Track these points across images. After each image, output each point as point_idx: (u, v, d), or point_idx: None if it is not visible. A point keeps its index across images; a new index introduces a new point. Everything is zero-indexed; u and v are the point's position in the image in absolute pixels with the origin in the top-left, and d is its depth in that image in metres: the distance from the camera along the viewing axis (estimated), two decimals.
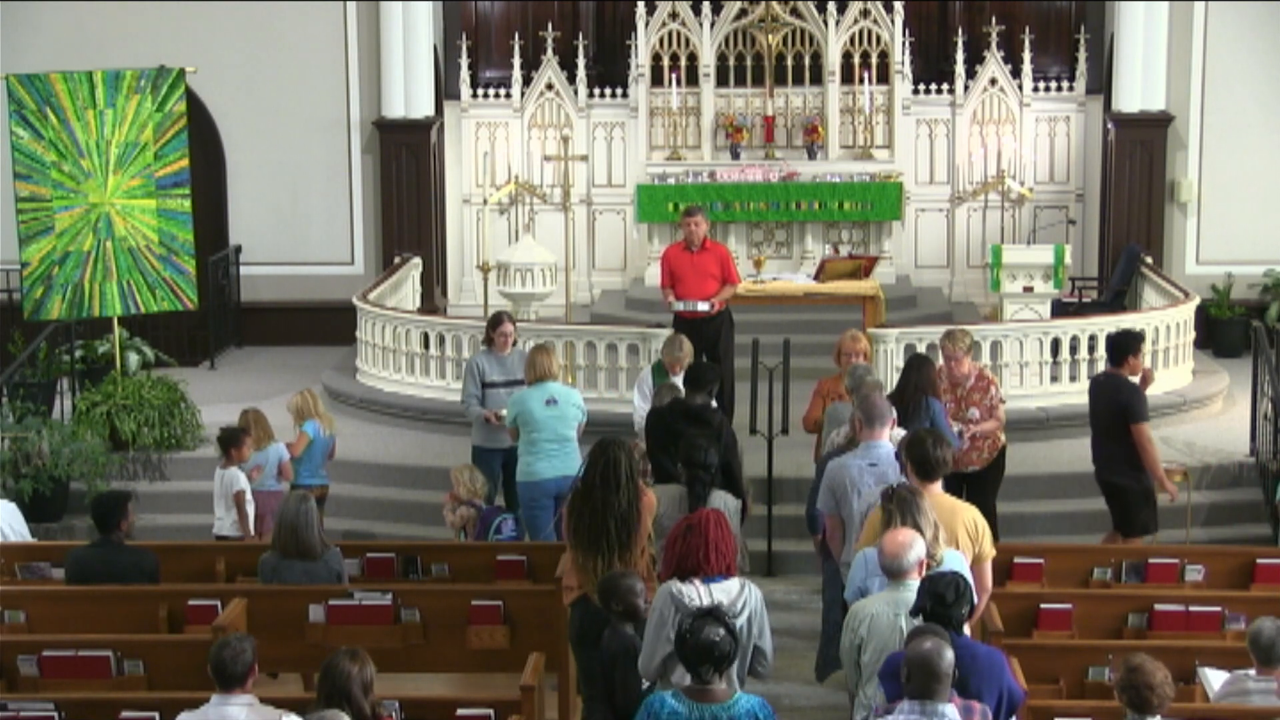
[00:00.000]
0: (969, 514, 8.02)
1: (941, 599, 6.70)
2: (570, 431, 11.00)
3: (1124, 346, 10.87)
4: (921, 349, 13.43)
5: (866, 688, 7.04)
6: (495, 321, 11.80)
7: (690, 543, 7.14)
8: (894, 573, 7.13)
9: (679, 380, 11.14)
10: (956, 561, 7.52)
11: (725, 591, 7.10)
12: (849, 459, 8.80)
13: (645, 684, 7.16)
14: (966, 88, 18.04)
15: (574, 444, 10.99)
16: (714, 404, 10.36)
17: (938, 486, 8.01)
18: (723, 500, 8.55)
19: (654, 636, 7.05)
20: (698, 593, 7.04)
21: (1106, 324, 14.11)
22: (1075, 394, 13.90)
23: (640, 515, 8.07)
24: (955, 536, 7.84)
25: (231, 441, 10.96)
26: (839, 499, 8.71)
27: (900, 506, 7.47)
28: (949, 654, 6.15)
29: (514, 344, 11.89)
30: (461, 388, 11.97)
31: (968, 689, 6.62)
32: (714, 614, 6.37)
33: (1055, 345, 13.99)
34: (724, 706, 6.27)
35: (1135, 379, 10.79)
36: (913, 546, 7.12)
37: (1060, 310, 15.79)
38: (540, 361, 11.06)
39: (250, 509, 10.95)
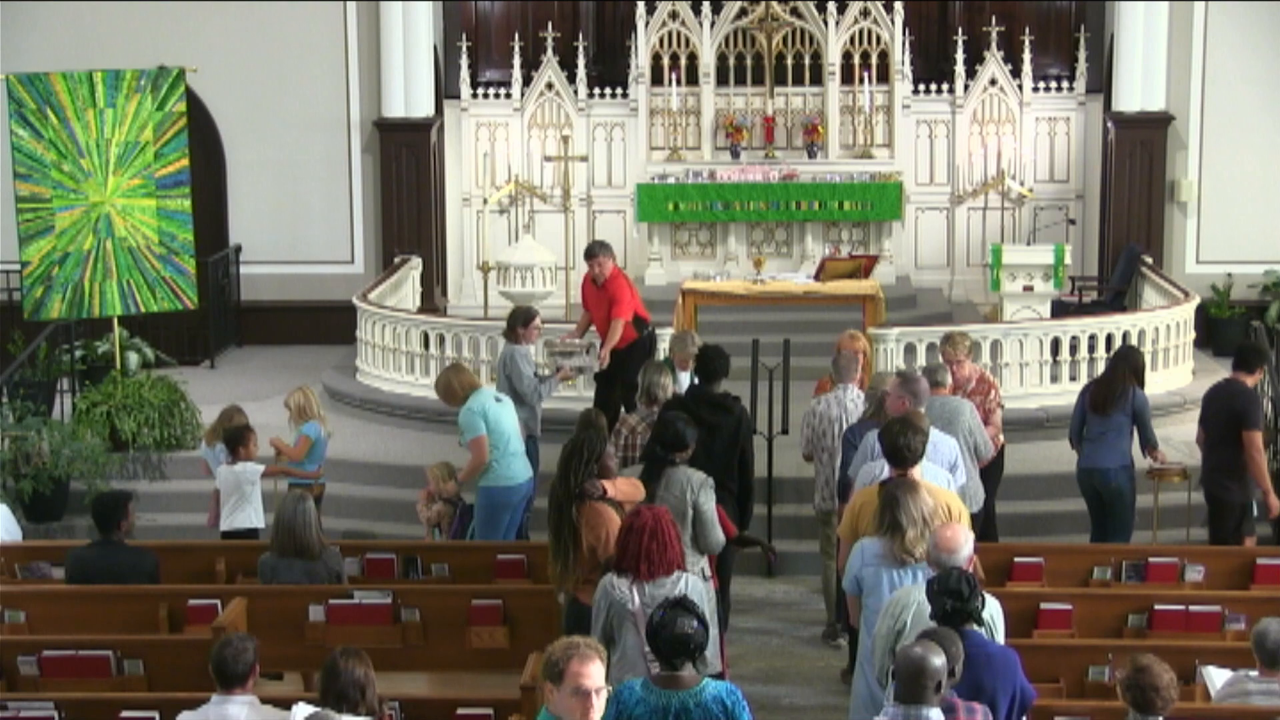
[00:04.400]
0: (944, 497, 8.16)
1: (959, 594, 6.76)
2: (519, 429, 10.88)
3: (1259, 355, 11.20)
4: (921, 349, 13.45)
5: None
6: (529, 317, 11.77)
7: (628, 546, 7.28)
8: (945, 566, 7.14)
9: (684, 377, 11.12)
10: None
11: (659, 585, 7.22)
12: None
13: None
14: (966, 88, 18.05)
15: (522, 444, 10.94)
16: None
17: (916, 472, 8.14)
18: (686, 476, 8.52)
19: (593, 629, 7.27)
20: (629, 589, 7.19)
21: (1106, 324, 14.15)
22: (1075, 393, 13.87)
23: (579, 511, 8.12)
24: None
25: (238, 440, 10.96)
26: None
27: (887, 501, 7.62)
28: (938, 660, 6.16)
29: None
30: (522, 379, 11.58)
31: (982, 688, 6.64)
32: (683, 604, 6.43)
33: (1055, 345, 13.99)
34: (691, 693, 6.31)
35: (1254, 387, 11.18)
36: (967, 542, 7.22)
37: (1060, 310, 15.80)
38: (464, 378, 10.83)
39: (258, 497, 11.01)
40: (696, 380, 10.30)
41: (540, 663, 5.88)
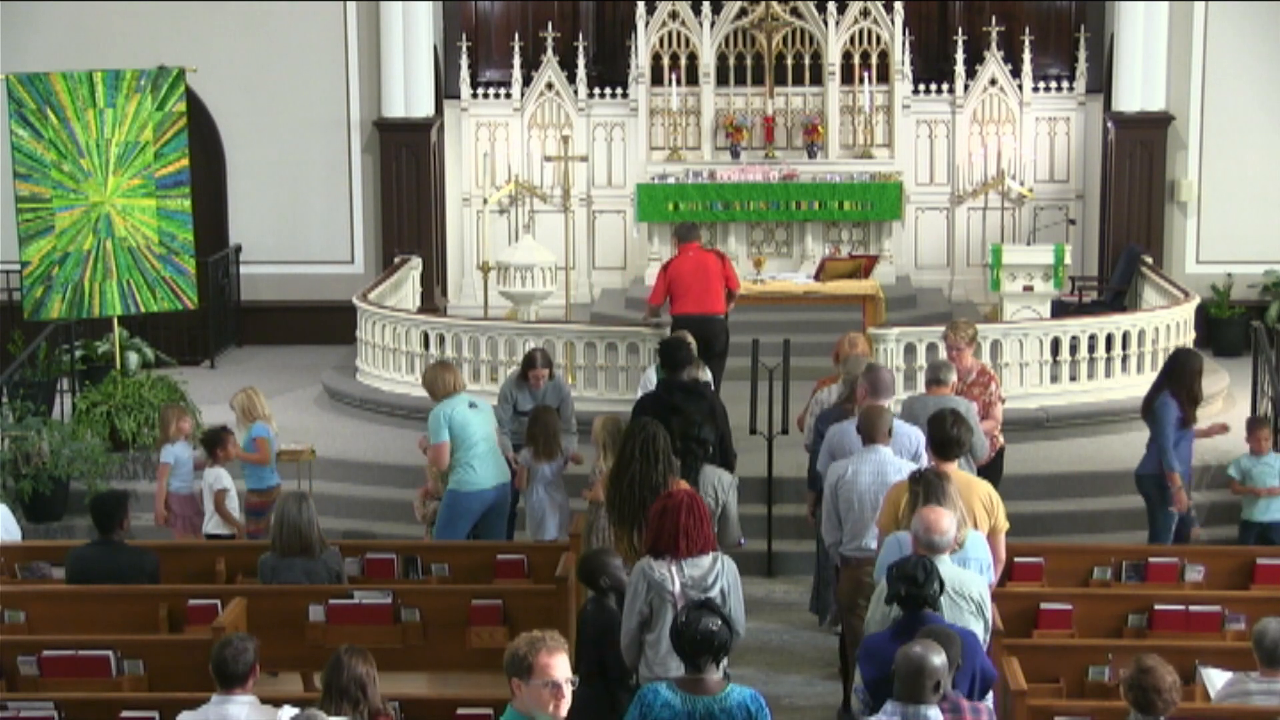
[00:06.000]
0: (984, 489, 8.38)
1: (913, 579, 6.88)
2: (494, 435, 10.82)
3: None
4: (922, 349, 13.45)
5: (856, 675, 7.22)
6: (529, 363, 11.49)
7: (664, 525, 7.35)
8: (933, 549, 7.32)
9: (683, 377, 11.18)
10: (979, 542, 7.71)
11: (697, 567, 7.30)
12: (850, 425, 9.35)
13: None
14: (966, 88, 18.04)
15: (500, 452, 10.83)
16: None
17: (954, 465, 8.33)
18: (717, 476, 8.76)
19: (629, 611, 7.33)
20: (669, 570, 7.25)
21: (1106, 324, 14.15)
22: (1075, 393, 13.93)
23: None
24: (972, 510, 8.15)
25: (215, 442, 10.97)
26: (838, 459, 9.21)
27: (926, 490, 7.68)
28: (937, 659, 6.21)
29: (549, 378, 11.64)
30: (494, 415, 11.47)
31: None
32: (708, 605, 6.48)
33: (1055, 345, 13.99)
34: (716, 699, 6.33)
35: None
36: (953, 526, 7.39)
37: (1060, 310, 15.79)
38: (447, 378, 10.83)
39: (235, 507, 10.94)
40: (662, 371, 10.55)
41: (503, 662, 5.88)
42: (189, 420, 11.47)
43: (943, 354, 11.29)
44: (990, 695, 7.10)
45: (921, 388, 11.95)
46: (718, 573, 7.32)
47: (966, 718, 6.44)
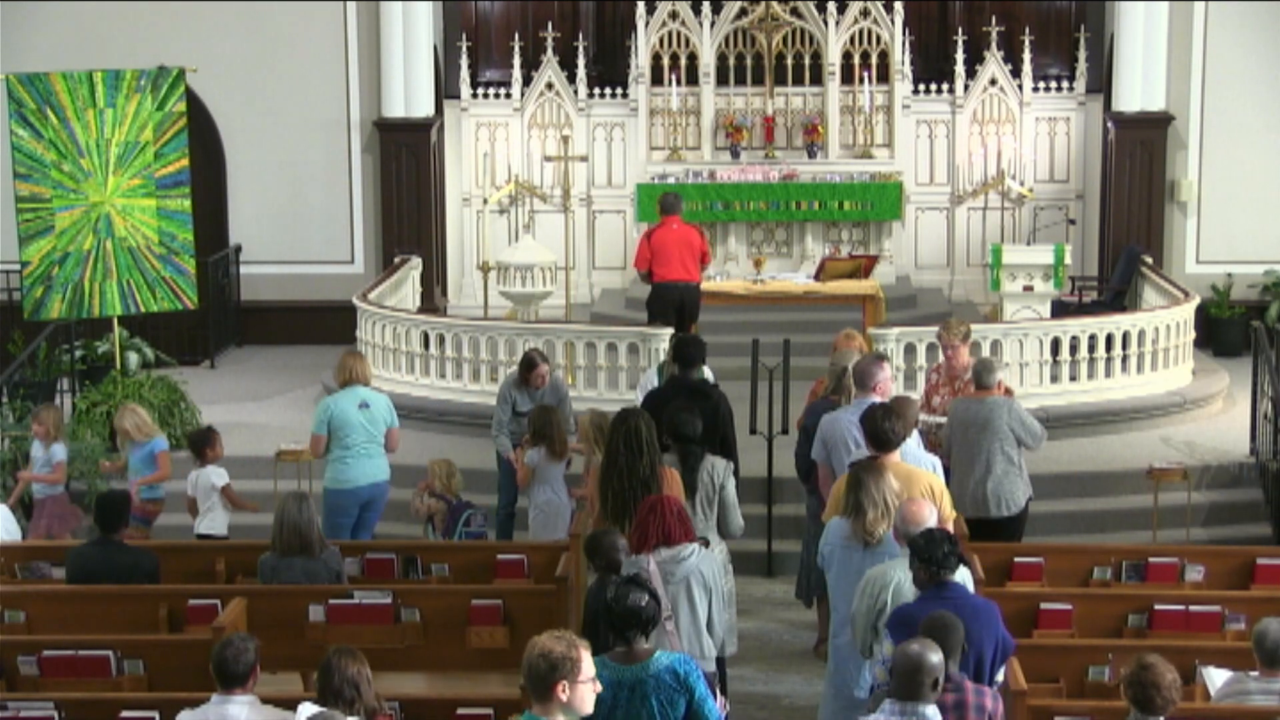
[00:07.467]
0: (925, 479, 8.48)
1: (949, 539, 7.11)
2: (380, 435, 10.94)
3: None
4: (921, 349, 13.46)
5: (885, 645, 7.32)
6: (529, 364, 11.36)
7: (636, 525, 7.64)
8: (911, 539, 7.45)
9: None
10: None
11: (670, 550, 7.53)
12: (841, 414, 9.51)
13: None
14: (966, 88, 18.04)
15: (383, 450, 10.96)
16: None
17: (896, 455, 8.44)
18: (711, 463, 8.96)
19: None
20: (647, 556, 7.53)
21: (1106, 324, 14.15)
22: (1076, 393, 13.94)
23: (662, 483, 8.46)
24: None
25: (204, 442, 10.97)
26: (830, 449, 9.44)
27: (850, 481, 7.95)
28: (934, 656, 6.25)
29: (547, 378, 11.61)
30: (494, 416, 11.55)
31: (970, 638, 6.87)
32: (635, 580, 6.65)
33: (1055, 345, 13.99)
34: (644, 665, 6.48)
35: None
36: (931, 516, 7.56)
37: (1060, 310, 15.80)
38: (352, 365, 10.96)
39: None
40: (664, 370, 10.65)
41: (537, 669, 5.76)
42: (42, 426, 11.54)
43: (942, 355, 11.25)
44: (1004, 671, 7.24)
45: (922, 388, 11.99)
46: (694, 551, 7.52)
47: (969, 699, 6.47)
